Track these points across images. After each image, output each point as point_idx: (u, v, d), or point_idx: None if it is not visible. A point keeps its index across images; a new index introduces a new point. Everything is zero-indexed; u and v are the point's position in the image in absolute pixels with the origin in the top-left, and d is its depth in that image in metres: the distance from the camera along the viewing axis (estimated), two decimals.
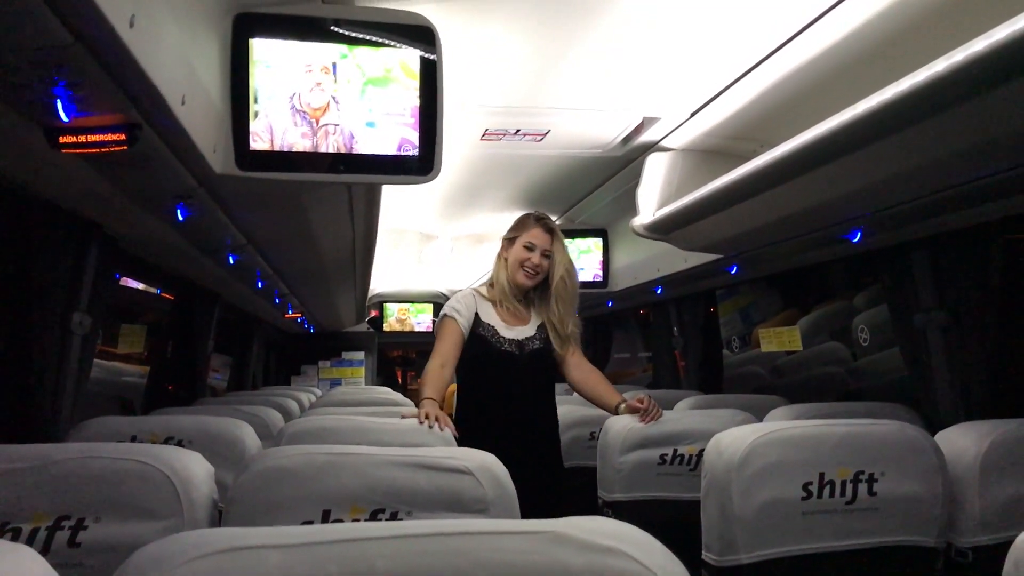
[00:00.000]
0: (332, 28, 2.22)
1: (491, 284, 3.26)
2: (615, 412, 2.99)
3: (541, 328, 3.19)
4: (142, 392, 5.17)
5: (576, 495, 3.23)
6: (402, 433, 2.44)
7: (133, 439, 2.59)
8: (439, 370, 2.95)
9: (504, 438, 2.79)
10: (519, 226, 3.21)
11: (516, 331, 3.15)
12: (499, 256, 3.26)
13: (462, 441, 2.69)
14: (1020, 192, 2.41)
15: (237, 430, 2.63)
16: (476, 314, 3.13)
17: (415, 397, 3.18)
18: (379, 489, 1.69)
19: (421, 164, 2.34)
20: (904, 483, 2.10)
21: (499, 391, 3.07)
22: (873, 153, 2.16)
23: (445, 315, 3.13)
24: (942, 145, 2.06)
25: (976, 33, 1.64)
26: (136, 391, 5.32)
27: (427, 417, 2.51)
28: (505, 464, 2.32)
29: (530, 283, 3.14)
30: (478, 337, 3.10)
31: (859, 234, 3.01)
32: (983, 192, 2.41)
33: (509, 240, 3.22)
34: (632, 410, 2.89)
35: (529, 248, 3.13)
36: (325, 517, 1.69)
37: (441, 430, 2.48)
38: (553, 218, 3.32)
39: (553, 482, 3.11)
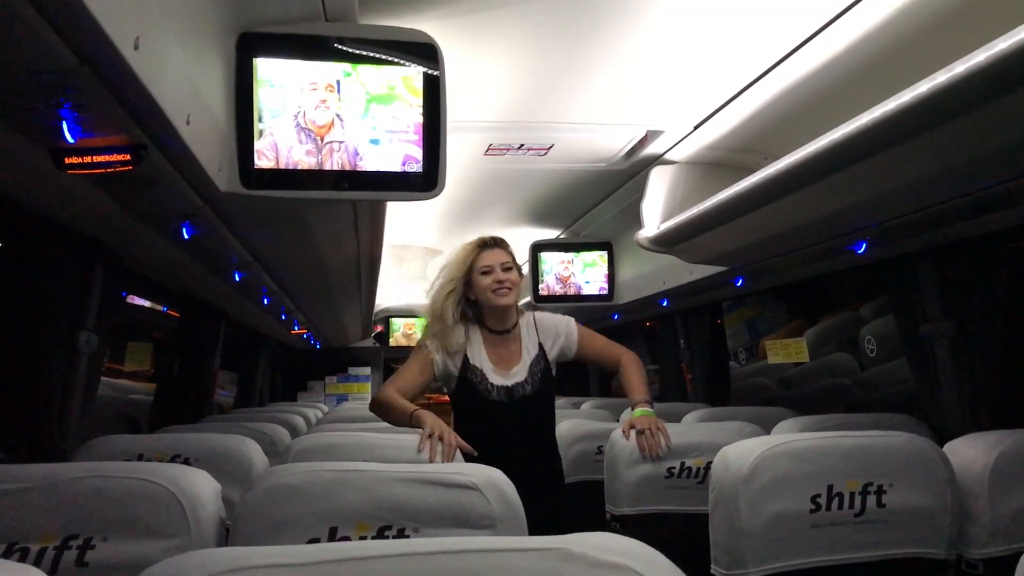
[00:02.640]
0: (335, 46, 2.23)
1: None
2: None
3: (536, 364, 2.93)
4: (149, 410, 5.17)
5: (583, 509, 3.22)
6: (409, 449, 2.44)
7: (140, 457, 2.59)
8: (396, 395, 2.74)
9: (508, 468, 2.64)
10: (458, 266, 2.91)
11: (505, 375, 2.89)
12: (451, 302, 2.90)
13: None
14: None
15: (244, 447, 2.63)
16: (465, 357, 2.88)
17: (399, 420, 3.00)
18: (386, 506, 1.69)
19: (425, 180, 2.35)
20: (913, 495, 2.09)
21: (492, 438, 2.74)
22: (878, 164, 2.16)
23: (424, 345, 2.91)
24: (947, 156, 2.06)
25: (979, 44, 1.64)
26: (143, 409, 5.32)
27: (431, 436, 2.39)
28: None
29: (511, 299, 2.86)
30: (467, 383, 2.87)
31: (864, 245, 3.01)
32: (989, 202, 2.40)
33: (462, 281, 2.91)
34: (625, 432, 2.77)
35: (487, 271, 2.85)
36: (332, 534, 1.69)
37: (451, 458, 2.35)
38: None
39: (556, 524, 2.81)
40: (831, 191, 2.44)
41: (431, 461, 2.28)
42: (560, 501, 2.96)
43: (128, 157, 1.82)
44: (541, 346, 2.97)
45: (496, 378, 2.88)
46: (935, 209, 2.49)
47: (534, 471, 2.81)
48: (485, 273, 2.85)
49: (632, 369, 3.01)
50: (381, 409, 2.76)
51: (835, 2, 2.31)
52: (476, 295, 2.90)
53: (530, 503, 2.44)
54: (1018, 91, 1.66)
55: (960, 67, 1.69)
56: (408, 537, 1.69)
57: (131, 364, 4.45)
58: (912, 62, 2.20)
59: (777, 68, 2.72)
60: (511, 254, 2.94)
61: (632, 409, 2.88)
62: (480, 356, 2.91)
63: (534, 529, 2.16)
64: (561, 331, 3.02)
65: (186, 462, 2.53)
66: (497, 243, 2.92)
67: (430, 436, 2.39)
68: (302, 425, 4.53)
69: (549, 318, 3.06)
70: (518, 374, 2.90)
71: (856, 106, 2.06)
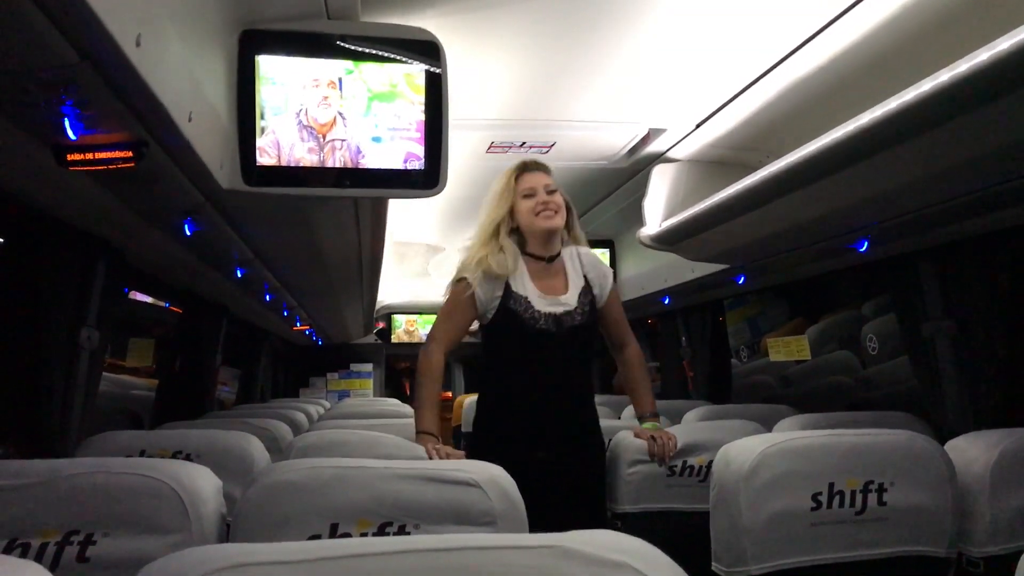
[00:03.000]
0: (337, 44, 2.24)
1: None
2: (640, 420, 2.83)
3: (584, 295, 2.73)
4: (151, 406, 5.17)
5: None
6: (411, 447, 2.44)
7: (142, 453, 2.59)
8: (439, 370, 2.61)
9: (538, 436, 2.62)
10: (500, 192, 2.75)
11: (554, 302, 2.67)
12: (495, 226, 2.72)
13: (486, 441, 2.70)
14: None
15: (245, 444, 2.63)
16: (507, 284, 2.65)
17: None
18: (386, 502, 1.69)
19: (426, 178, 2.36)
20: (914, 493, 2.09)
21: (533, 375, 2.63)
22: (879, 163, 2.16)
23: (462, 279, 2.67)
24: (948, 155, 2.06)
25: (981, 43, 1.64)
26: (145, 405, 5.32)
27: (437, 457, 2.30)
28: (539, 472, 2.44)
29: (558, 222, 2.67)
30: (509, 312, 2.63)
31: (866, 244, 3.01)
32: (990, 201, 2.40)
33: (506, 207, 2.73)
34: (643, 438, 2.71)
35: (529, 194, 2.69)
36: (333, 531, 1.69)
37: None
38: None
39: (597, 488, 2.77)
40: (833, 189, 2.44)
41: None
42: (598, 453, 2.79)
43: (130, 154, 1.82)
44: (587, 279, 2.78)
45: (543, 304, 2.65)
46: (937, 208, 2.48)
47: (578, 419, 2.71)
48: (527, 196, 2.69)
49: (639, 374, 2.89)
50: (418, 382, 2.62)
51: (837, 1, 2.30)
52: (519, 221, 2.71)
53: (565, 455, 2.65)
54: (1019, 91, 1.66)
55: (962, 66, 1.69)
56: (409, 534, 1.69)
57: (133, 360, 4.46)
58: (914, 61, 2.20)
59: (779, 67, 2.72)
60: (551, 176, 2.77)
61: (641, 421, 2.84)
62: (524, 283, 2.67)
63: (566, 483, 2.60)
64: (603, 272, 2.84)
65: (188, 458, 2.52)
66: (539, 166, 2.76)
67: (436, 454, 2.33)
68: (304, 421, 4.53)
69: (594, 255, 2.88)
70: (567, 302, 2.69)
71: (858, 105, 2.06)
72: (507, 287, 2.64)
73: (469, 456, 2.23)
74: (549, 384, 2.64)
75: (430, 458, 2.27)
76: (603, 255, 5.61)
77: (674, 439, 2.71)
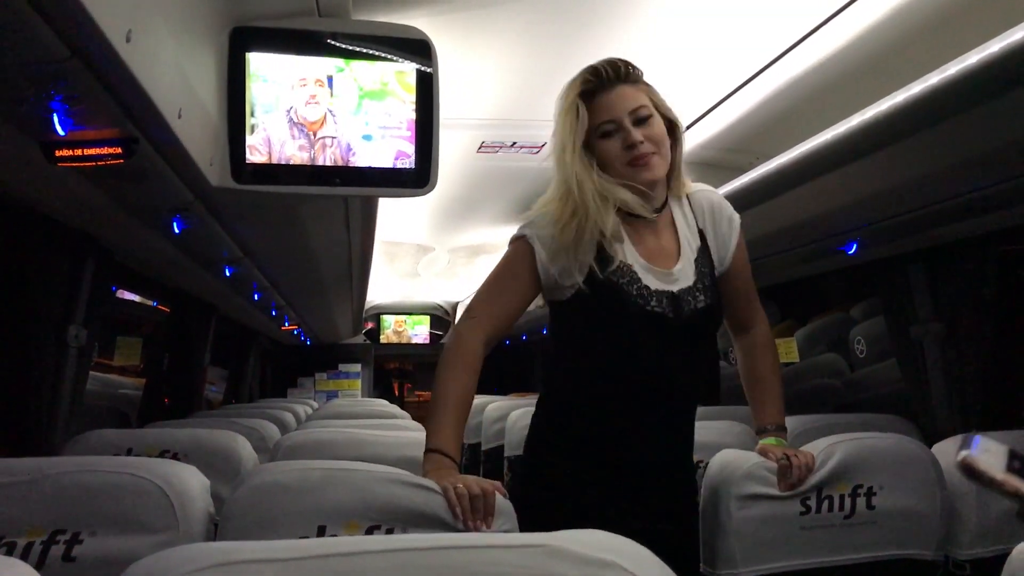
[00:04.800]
0: (328, 42, 2.23)
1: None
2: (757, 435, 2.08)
3: (702, 262, 1.91)
4: (138, 405, 5.15)
5: None
6: (399, 447, 2.44)
7: (129, 452, 2.58)
8: (473, 360, 1.80)
9: (637, 491, 1.86)
10: (566, 131, 1.84)
11: (665, 276, 1.85)
12: (568, 179, 1.82)
13: (547, 483, 1.89)
14: (1016, 203, 2.41)
15: (233, 443, 2.62)
16: (601, 247, 1.81)
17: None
18: (375, 506, 1.69)
19: (417, 177, 2.35)
20: (902, 496, 2.09)
21: (633, 389, 1.83)
22: (868, 165, 2.17)
23: (524, 236, 1.88)
24: (936, 158, 2.07)
25: (971, 46, 1.65)
26: (132, 404, 5.30)
27: (460, 502, 1.56)
28: (624, 510, 1.80)
29: (661, 169, 1.84)
30: (606, 287, 1.80)
31: (855, 246, 3.02)
32: (978, 204, 2.41)
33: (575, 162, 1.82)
34: (773, 458, 1.96)
35: (609, 130, 1.82)
36: (320, 533, 1.68)
37: (492, 512, 1.57)
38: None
39: (692, 531, 2.00)
40: (822, 192, 2.44)
41: (474, 529, 1.55)
42: (693, 497, 2.02)
43: (119, 150, 1.81)
44: (702, 234, 1.95)
45: (653, 280, 1.83)
46: (926, 211, 2.49)
47: (681, 440, 1.95)
48: (607, 135, 1.82)
49: (769, 366, 2.07)
50: (438, 375, 1.78)
51: (826, 4, 2.31)
52: (602, 167, 1.83)
53: (664, 516, 1.86)
54: (1009, 94, 1.67)
55: (951, 69, 1.70)
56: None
57: (120, 359, 4.44)
58: (903, 64, 2.20)
59: (769, 69, 2.72)
60: (646, 89, 1.87)
61: (761, 436, 2.07)
62: (626, 248, 1.84)
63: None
64: (726, 218, 1.98)
65: (175, 457, 2.51)
66: (618, 74, 1.83)
67: (457, 495, 1.56)
68: (292, 421, 4.52)
69: (709, 193, 2.01)
70: (683, 276, 1.87)
71: (847, 107, 2.07)
72: (601, 250, 1.81)
73: (515, 494, 1.70)
74: (659, 400, 1.85)
75: (448, 501, 1.58)
76: None
77: (812, 458, 1.98)
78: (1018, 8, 1.66)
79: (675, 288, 1.84)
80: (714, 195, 2.00)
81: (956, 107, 1.78)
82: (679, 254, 1.89)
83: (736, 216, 1.99)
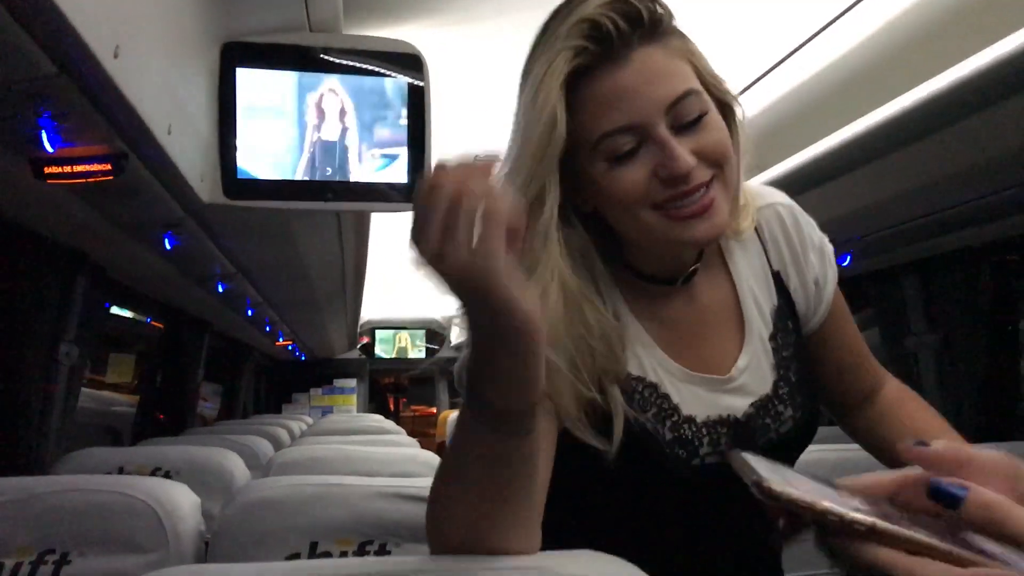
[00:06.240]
0: (320, 57, 2.22)
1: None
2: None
3: (783, 341, 1.11)
4: (131, 422, 5.13)
5: None
6: (392, 462, 2.42)
7: (120, 470, 2.56)
8: None
9: None
10: (537, 128, 0.96)
11: (723, 385, 1.06)
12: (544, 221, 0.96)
13: None
14: (1009, 215, 2.41)
15: (225, 460, 2.61)
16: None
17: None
18: (367, 521, 1.67)
19: (410, 191, 2.33)
20: None
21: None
22: (863, 176, 2.17)
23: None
24: (932, 168, 2.07)
25: (962, 57, 1.65)
26: (125, 421, 5.28)
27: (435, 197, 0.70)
28: None
29: (723, 216, 0.96)
30: (622, 442, 0.96)
31: (849, 258, 3.01)
32: (973, 215, 2.41)
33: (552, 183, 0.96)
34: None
35: (626, 151, 0.94)
36: (312, 549, 1.67)
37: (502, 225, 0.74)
38: None
39: None
40: (815, 203, 2.43)
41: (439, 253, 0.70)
42: None
43: (109, 167, 1.80)
44: (779, 281, 1.14)
45: (698, 400, 1.05)
46: (920, 222, 2.49)
47: None
48: (618, 158, 0.94)
49: (935, 415, 1.22)
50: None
51: (816, 19, 2.31)
52: (609, 219, 1.02)
53: None
54: (1002, 104, 1.66)
55: (943, 81, 1.70)
56: (390, 553, 1.67)
57: (113, 376, 4.42)
58: (895, 76, 2.20)
59: (760, 82, 2.72)
60: (686, 50, 0.99)
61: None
62: (643, 350, 1.05)
63: None
64: (816, 241, 1.19)
65: (167, 475, 2.50)
66: (635, 24, 0.94)
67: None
68: (285, 438, 4.50)
69: (778, 205, 1.17)
70: (752, 378, 1.08)
71: (839, 120, 2.07)
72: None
73: None
74: None
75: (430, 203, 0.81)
76: None
77: None
78: (1009, 19, 1.66)
79: (741, 406, 1.06)
80: (790, 208, 1.18)
81: (948, 119, 1.78)
82: (742, 334, 1.08)
83: (827, 243, 1.21)
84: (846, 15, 2.27)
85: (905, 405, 1.23)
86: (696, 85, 0.96)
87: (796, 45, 2.47)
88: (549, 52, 0.97)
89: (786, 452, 1.07)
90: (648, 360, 1.04)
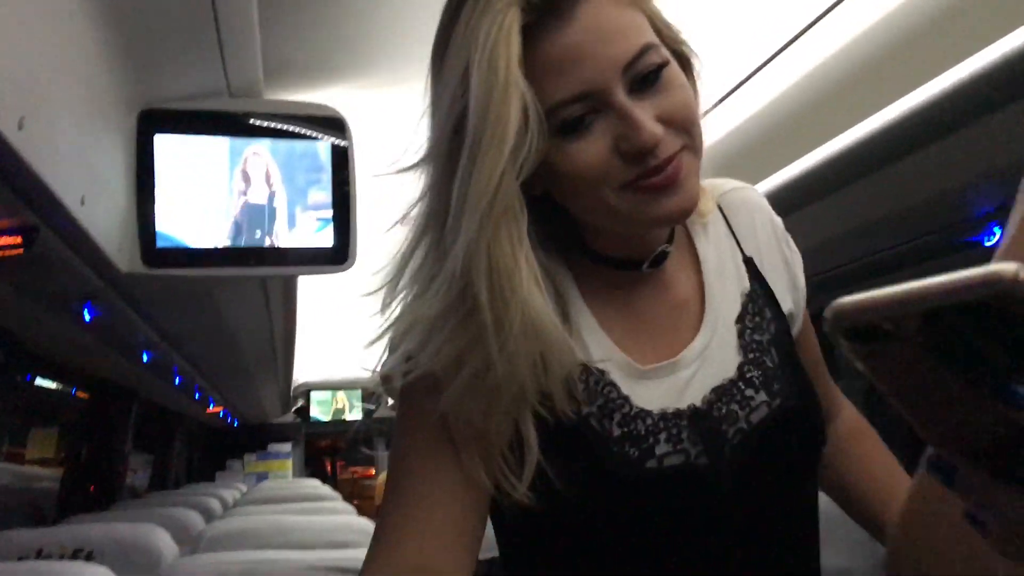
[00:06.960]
0: (240, 122, 2.20)
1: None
2: None
3: (755, 322, 0.96)
4: (55, 498, 4.96)
5: None
6: (327, 531, 2.36)
7: (39, 553, 2.46)
8: None
9: None
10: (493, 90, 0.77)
11: (674, 371, 0.90)
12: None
13: None
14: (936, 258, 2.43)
15: (152, 537, 2.52)
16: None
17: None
18: None
19: (335, 254, 2.31)
20: (832, 556, 2.08)
21: None
22: (808, 214, 2.17)
23: (424, 377, 0.84)
24: (882, 205, 2.07)
25: (917, 85, 1.65)
26: (50, 497, 5.10)
27: None
28: None
29: (695, 186, 0.84)
30: (569, 439, 0.84)
31: None
32: (928, 255, 2.40)
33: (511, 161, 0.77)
34: None
35: (580, 120, 0.80)
36: None
37: None
38: None
39: None
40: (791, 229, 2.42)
41: None
42: None
43: (19, 240, 1.75)
44: (751, 267, 1.00)
45: (644, 392, 0.88)
46: (870, 259, 2.49)
47: None
48: (571, 128, 0.80)
49: (880, 454, 1.14)
50: None
51: (793, 28, 2.27)
52: (562, 199, 0.89)
53: None
54: (946, 136, 1.67)
55: (892, 112, 1.70)
56: None
57: (34, 451, 4.27)
58: (873, 91, 2.19)
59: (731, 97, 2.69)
60: (645, 4, 0.84)
61: None
62: (594, 338, 0.90)
63: None
64: (780, 238, 1.04)
65: (89, 556, 2.40)
66: None
67: None
68: (217, 508, 4.39)
69: (745, 191, 1.07)
70: (707, 359, 0.92)
71: (792, 151, 2.07)
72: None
73: None
74: None
75: None
76: None
77: None
78: (981, 33, 1.63)
79: (700, 392, 0.90)
80: (760, 195, 1.08)
81: (903, 149, 1.78)
82: (701, 314, 0.95)
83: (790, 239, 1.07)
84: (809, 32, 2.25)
85: (862, 442, 1.14)
86: (653, 38, 0.82)
87: (751, 70, 2.43)
88: (491, 11, 0.77)
89: (771, 446, 0.88)
90: (597, 349, 0.89)
